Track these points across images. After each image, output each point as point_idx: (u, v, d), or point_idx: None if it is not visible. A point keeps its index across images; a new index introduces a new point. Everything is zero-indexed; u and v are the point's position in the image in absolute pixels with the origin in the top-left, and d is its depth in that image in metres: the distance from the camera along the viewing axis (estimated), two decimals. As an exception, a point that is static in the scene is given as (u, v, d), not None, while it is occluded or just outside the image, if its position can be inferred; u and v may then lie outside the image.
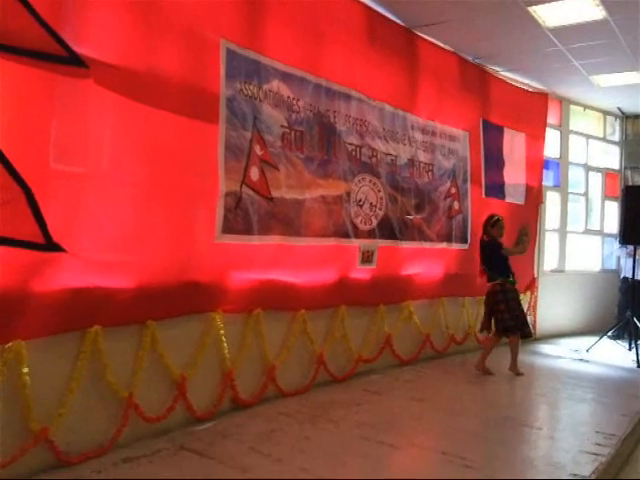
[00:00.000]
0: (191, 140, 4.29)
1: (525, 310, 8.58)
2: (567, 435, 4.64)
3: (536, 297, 8.88)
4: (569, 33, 6.58)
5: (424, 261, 6.88)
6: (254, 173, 4.76)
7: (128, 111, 3.87)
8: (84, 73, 3.55)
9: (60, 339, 3.64)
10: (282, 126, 5.06)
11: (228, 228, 4.57)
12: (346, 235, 5.74)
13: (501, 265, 6.60)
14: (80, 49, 3.52)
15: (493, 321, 6.56)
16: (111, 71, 3.71)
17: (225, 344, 4.72)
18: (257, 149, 4.80)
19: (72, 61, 3.49)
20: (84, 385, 3.76)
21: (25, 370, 3.39)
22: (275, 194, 4.97)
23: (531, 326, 8.66)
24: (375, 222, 6.10)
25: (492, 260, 6.64)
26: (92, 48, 3.59)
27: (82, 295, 3.67)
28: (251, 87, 4.75)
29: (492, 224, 6.68)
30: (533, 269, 8.83)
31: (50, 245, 3.43)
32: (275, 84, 5.01)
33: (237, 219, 4.63)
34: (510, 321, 6.44)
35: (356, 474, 3.74)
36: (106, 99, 3.72)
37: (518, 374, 6.52)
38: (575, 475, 3.71)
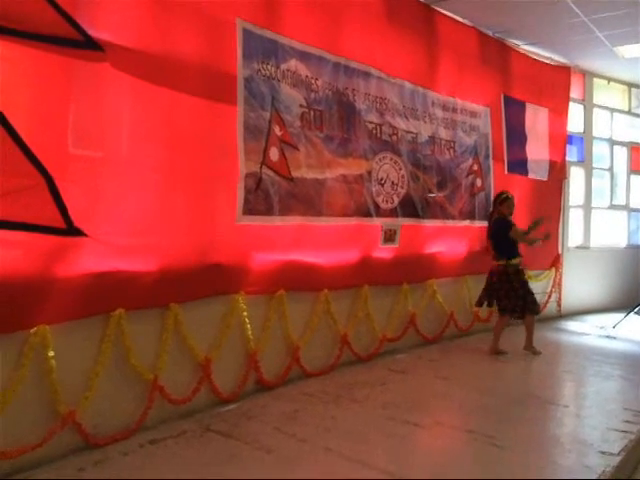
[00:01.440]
0: (210, 122, 4.28)
1: (550, 287, 8.57)
2: (594, 412, 4.59)
3: (561, 274, 8.77)
4: (592, 3, 6.39)
5: (447, 239, 6.82)
6: (274, 154, 4.73)
7: (145, 94, 3.86)
8: (100, 57, 3.54)
9: (84, 323, 3.67)
10: (301, 106, 5.01)
11: (249, 209, 4.55)
12: (368, 214, 5.70)
13: (508, 245, 6.31)
14: (95, 33, 3.52)
15: (495, 301, 6.40)
16: (127, 54, 3.70)
17: (248, 326, 4.73)
18: (276, 129, 4.76)
19: (88, 45, 3.49)
20: (109, 368, 3.80)
21: (51, 354, 3.43)
22: (295, 174, 4.94)
23: (555, 302, 8.66)
24: (397, 201, 6.05)
25: (499, 238, 6.35)
26: (107, 31, 3.59)
27: (105, 279, 3.69)
28: (269, 67, 4.70)
29: (501, 201, 6.41)
30: (558, 246, 8.71)
31: (71, 230, 3.44)
32: (293, 63, 4.96)
33: (258, 200, 4.61)
34: (508, 304, 6.26)
35: (381, 454, 3.74)
36: (123, 82, 3.71)
37: (535, 353, 6.38)
38: (604, 452, 3.67)
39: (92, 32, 3.49)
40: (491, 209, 6.69)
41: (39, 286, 3.35)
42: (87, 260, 3.58)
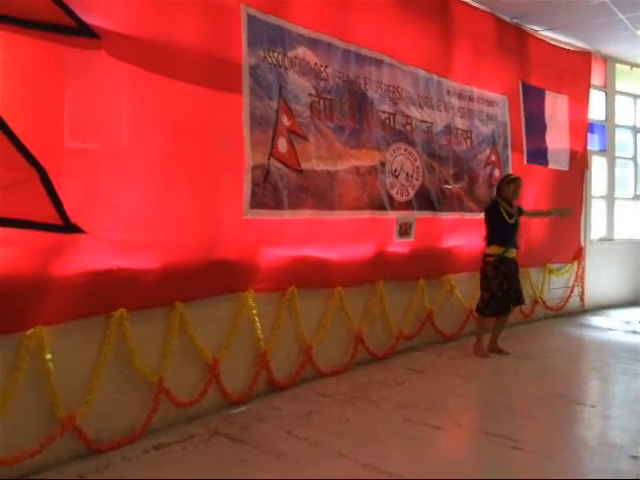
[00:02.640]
0: (214, 112, 4.09)
1: (572, 281, 8.31)
2: (624, 413, 4.35)
3: (584, 267, 8.49)
4: (614, -17, 6.15)
5: (465, 232, 6.57)
6: (282, 144, 4.54)
7: (145, 83, 3.69)
8: (95, 44, 3.37)
9: (84, 324, 3.51)
10: (310, 95, 4.81)
11: (257, 203, 4.37)
12: (382, 207, 5.49)
13: (499, 230, 5.83)
14: (90, 19, 3.35)
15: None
16: (124, 41, 3.53)
17: (258, 324, 4.55)
18: (284, 119, 4.57)
19: (82, 32, 3.32)
20: (111, 370, 3.64)
21: (48, 357, 3.27)
22: (305, 166, 4.74)
23: (578, 297, 8.38)
24: (412, 193, 5.83)
25: (489, 223, 5.90)
26: (103, 18, 3.42)
27: (105, 277, 3.53)
28: (275, 54, 4.51)
29: (508, 181, 5.96)
30: (580, 238, 8.43)
31: (68, 226, 3.28)
32: (301, 51, 4.76)
33: (266, 193, 4.43)
34: (485, 301, 5.85)
35: (397, 458, 3.55)
36: (120, 71, 3.54)
37: (501, 352, 5.98)
38: (636, 457, 3.44)
39: (86, 18, 3.32)
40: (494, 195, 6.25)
41: (35, 286, 3.18)
42: (86, 258, 3.42)
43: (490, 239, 5.86)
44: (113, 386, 3.68)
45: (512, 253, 5.86)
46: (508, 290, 5.82)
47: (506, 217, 5.80)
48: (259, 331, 4.56)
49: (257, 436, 3.82)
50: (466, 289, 6.71)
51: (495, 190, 6.21)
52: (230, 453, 3.57)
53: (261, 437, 3.80)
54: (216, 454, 3.56)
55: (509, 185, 5.92)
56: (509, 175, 6.23)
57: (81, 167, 3.40)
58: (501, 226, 5.82)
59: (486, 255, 5.86)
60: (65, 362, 3.39)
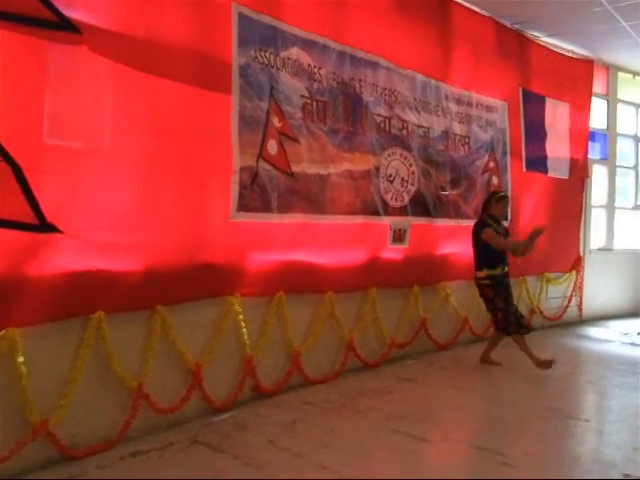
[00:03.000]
0: (201, 111, 4.00)
1: (570, 291, 8.18)
2: (618, 429, 4.22)
3: (582, 277, 8.36)
4: (617, -11, 6.05)
5: (461, 240, 6.42)
6: (272, 146, 4.44)
7: (129, 81, 3.60)
8: (76, 39, 3.29)
9: (60, 326, 3.40)
10: (303, 96, 4.72)
11: (244, 206, 4.26)
12: (375, 212, 5.38)
13: (490, 253, 5.50)
14: (71, 13, 3.26)
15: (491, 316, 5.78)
16: (107, 37, 3.44)
17: (244, 329, 4.44)
18: (275, 121, 4.47)
19: (63, 26, 3.23)
20: (89, 374, 3.53)
21: (20, 359, 3.17)
22: (296, 169, 4.64)
23: (576, 307, 8.25)
24: (407, 198, 5.72)
25: (478, 245, 5.57)
26: (85, 12, 3.34)
27: (83, 279, 3.42)
28: (267, 54, 4.42)
29: (498, 199, 5.61)
30: (579, 247, 8.31)
31: (44, 226, 3.19)
32: (294, 51, 4.67)
33: (254, 196, 4.32)
34: (506, 321, 5.51)
35: (382, 472, 3.43)
36: (103, 67, 3.46)
37: (493, 363, 5.80)
38: (627, 475, 3.32)
39: (67, 12, 3.24)
40: (481, 211, 5.85)
41: (7, 286, 3.08)
42: (63, 258, 3.32)
43: (481, 263, 5.56)
44: (90, 390, 3.57)
45: (505, 269, 5.59)
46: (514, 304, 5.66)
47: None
48: (245, 336, 4.45)
49: (238, 445, 3.71)
50: (462, 297, 6.59)
51: (482, 207, 5.79)
52: (208, 463, 3.45)
53: (242, 446, 3.68)
54: (193, 463, 3.44)
55: (498, 202, 5.62)
56: (498, 192, 5.90)
57: (60, 165, 3.31)
58: (489, 250, 5.49)
59: (479, 279, 5.60)
60: (39, 365, 3.29)
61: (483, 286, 5.57)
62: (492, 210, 5.60)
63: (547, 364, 5.42)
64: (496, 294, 5.51)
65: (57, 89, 3.30)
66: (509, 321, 5.48)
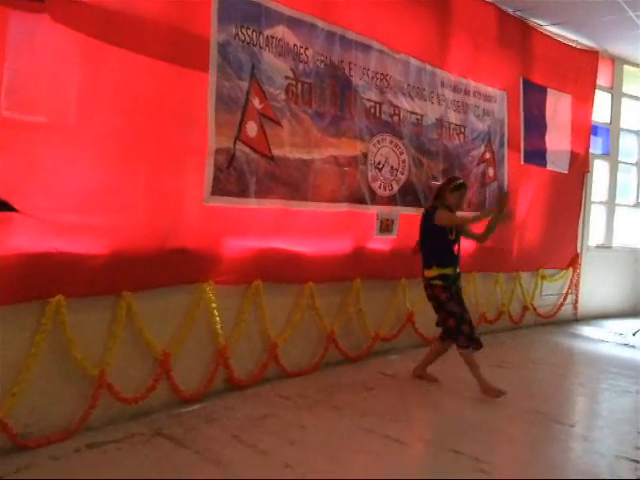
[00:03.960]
0: (175, 89, 3.82)
1: (566, 289, 7.99)
2: (605, 435, 4.05)
3: (579, 275, 8.15)
4: (624, -23, 5.80)
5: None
6: (251, 128, 4.24)
7: (97, 54, 3.43)
8: (38, 7, 3.09)
9: (15, 310, 3.23)
10: (287, 77, 4.51)
11: (219, 189, 4.08)
12: (362, 201, 5.18)
13: (439, 248, 4.71)
14: (32, -22, 3.05)
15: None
16: (72, 6, 3.26)
17: (217, 318, 4.27)
18: (256, 102, 4.27)
19: (22, -9, 3.02)
20: (46, 362, 3.38)
21: (-32, 344, 2.99)
22: (277, 153, 4.44)
23: (572, 305, 8.05)
24: (396, 187, 5.52)
25: (429, 238, 4.75)
26: (48, -23, 3.11)
27: (41, 261, 3.26)
28: (249, 32, 4.21)
29: (453, 187, 4.73)
30: (576, 244, 8.10)
31: (-3, 203, 3.00)
32: (279, 30, 4.46)
33: (230, 179, 4.13)
34: (458, 331, 4.65)
35: (347, 474, 3.26)
36: (68, 39, 3.27)
37: (422, 377, 5.01)
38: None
39: (28, -23, 3.03)
40: (431, 198, 5.10)
41: (-45, 266, 2.91)
42: (18, 239, 3.16)
43: (430, 259, 4.71)
44: (48, 378, 3.41)
45: (457, 269, 4.77)
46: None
47: (447, 231, 4.68)
48: (218, 326, 4.28)
49: (202, 439, 3.54)
50: (451, 291, 6.40)
51: (434, 194, 4.98)
52: (167, 457, 3.29)
53: (206, 440, 3.52)
54: (152, 457, 3.28)
55: (454, 192, 4.73)
56: (455, 179, 4.95)
57: (18, 140, 3.14)
58: (441, 243, 4.69)
59: (429, 279, 4.70)
60: (-10, 351, 3.13)
61: (434, 287, 4.67)
62: (447, 200, 4.73)
63: (496, 393, 4.52)
64: (450, 297, 4.64)
65: (17, 60, 3.11)
66: (461, 331, 4.61)
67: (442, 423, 4.22)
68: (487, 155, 6.57)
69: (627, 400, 4.86)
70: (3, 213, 3.05)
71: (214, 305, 4.23)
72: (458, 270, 4.76)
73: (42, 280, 3.30)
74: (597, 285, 8.45)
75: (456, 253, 4.75)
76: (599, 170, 8.54)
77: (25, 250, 3.18)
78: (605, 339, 7.28)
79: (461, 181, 4.84)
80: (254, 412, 4.03)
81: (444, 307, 4.68)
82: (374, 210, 5.31)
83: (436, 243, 4.70)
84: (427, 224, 4.72)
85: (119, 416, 3.75)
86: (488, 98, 6.57)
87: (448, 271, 4.66)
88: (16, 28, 3.07)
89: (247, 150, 4.21)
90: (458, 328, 4.63)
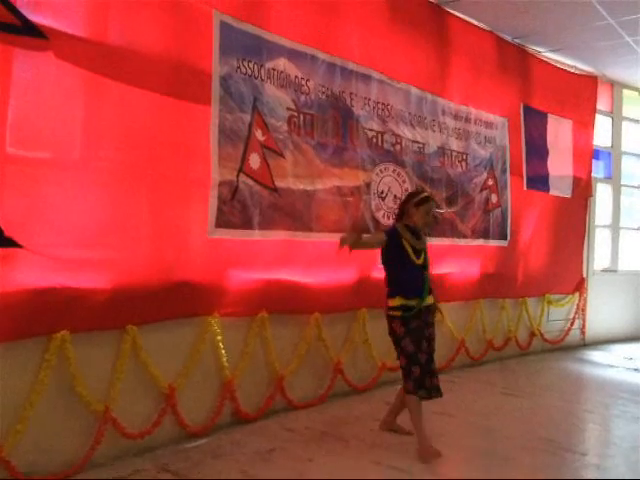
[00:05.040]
0: (178, 123, 3.84)
1: (573, 314, 7.94)
2: (617, 464, 3.96)
3: (585, 299, 8.11)
4: (620, 4, 5.83)
5: (458, 259, 6.26)
6: (254, 160, 4.26)
7: (100, 89, 3.46)
8: (42, 45, 3.12)
9: (19, 347, 3.22)
10: (289, 109, 4.55)
11: (223, 222, 4.08)
12: (366, 230, 5.17)
13: (401, 274, 4.03)
14: (36, 17, 3.11)
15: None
16: (76, 43, 3.31)
17: (223, 351, 4.25)
18: (258, 134, 4.30)
19: (27, 31, 3.07)
20: (50, 397, 3.35)
21: (-29, 382, 2.98)
22: (280, 184, 4.46)
23: (579, 330, 7.98)
24: (400, 216, 5.52)
25: (391, 262, 4.08)
26: (51, 16, 3.18)
27: (45, 296, 3.25)
28: (251, 65, 4.26)
29: (418, 202, 4.03)
30: (582, 268, 8.07)
31: (1, 240, 3.01)
32: (281, 62, 4.51)
33: (233, 212, 4.14)
34: (407, 374, 3.99)
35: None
36: (72, 75, 3.31)
37: (392, 430, 4.34)
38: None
39: (32, 16, 3.09)
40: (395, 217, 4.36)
41: (-41, 303, 2.91)
42: (23, 275, 3.15)
43: (393, 287, 4.07)
44: (52, 415, 3.38)
45: (428, 300, 4.08)
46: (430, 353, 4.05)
47: (411, 254, 3.99)
48: (224, 359, 4.25)
49: (209, 475, 3.50)
50: (458, 319, 6.40)
51: (397, 213, 4.30)
52: (173, 495, 3.25)
53: (213, 476, 3.48)
54: (157, 495, 3.24)
55: (419, 207, 4.02)
56: (418, 192, 4.27)
57: (23, 176, 3.16)
58: (403, 267, 4.01)
59: (389, 309, 4.07)
60: (-6, 388, 3.11)
61: (392, 318, 4.03)
62: (411, 218, 4.05)
63: (431, 454, 3.86)
64: (406, 332, 3.95)
65: (22, 97, 3.13)
66: (410, 372, 3.94)
67: (450, 453, 4.13)
68: (490, 182, 6.58)
69: (638, 427, 4.78)
70: (7, 249, 3.05)
71: (219, 338, 4.21)
72: (429, 302, 4.09)
73: (46, 315, 3.29)
74: (604, 309, 8.40)
75: (422, 280, 4.04)
76: (602, 194, 8.55)
77: (29, 286, 3.18)
78: (614, 364, 7.20)
79: (425, 194, 4.16)
80: (261, 446, 3.98)
81: (398, 343, 4.00)
82: (378, 239, 5.29)
83: (393, 270, 4.09)
84: (393, 246, 4.01)
85: (124, 452, 3.71)
86: (489, 125, 6.60)
87: (413, 302, 3.97)
88: (21, 65, 3.11)
89: (250, 182, 4.22)
90: (408, 369, 3.96)
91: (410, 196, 4.19)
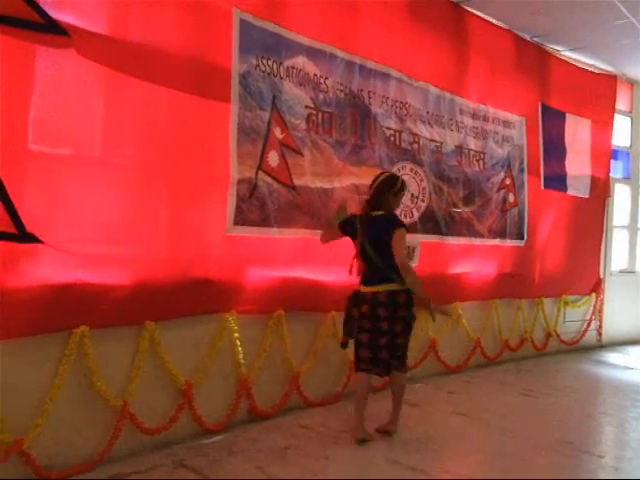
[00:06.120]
0: (197, 120, 3.85)
1: (590, 315, 7.89)
2: (635, 466, 3.93)
3: (602, 300, 8.05)
4: (641, 1, 5.79)
5: (474, 259, 6.24)
6: (273, 158, 4.27)
7: (121, 86, 3.46)
8: (64, 42, 3.14)
9: (39, 341, 3.24)
10: (307, 107, 4.54)
11: (241, 219, 4.09)
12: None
13: (359, 259, 4.16)
14: (59, 15, 3.12)
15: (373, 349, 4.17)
16: (97, 40, 3.31)
17: (240, 348, 4.26)
18: (277, 132, 4.30)
19: (50, 28, 3.09)
20: (70, 393, 3.37)
21: (-7, 376, 3.01)
22: (298, 182, 4.46)
23: (596, 331, 7.92)
24: (417, 215, 5.51)
25: (391, 247, 3.98)
26: (73, 14, 3.19)
27: (65, 292, 3.26)
28: (270, 63, 4.26)
29: (399, 189, 4.15)
30: (599, 269, 8.00)
31: (23, 235, 3.03)
32: (300, 60, 4.50)
33: (252, 209, 4.14)
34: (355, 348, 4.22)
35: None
36: (93, 72, 3.31)
37: (387, 432, 4.25)
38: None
39: (55, 14, 3.10)
40: (366, 202, 4.22)
41: (-19, 298, 2.94)
42: (43, 270, 3.17)
43: (391, 272, 4.04)
44: (71, 409, 3.41)
45: (388, 287, 4.06)
46: (369, 340, 4.12)
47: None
48: (241, 356, 4.26)
49: (225, 471, 3.52)
50: (474, 318, 6.37)
51: (374, 200, 4.15)
52: (190, 490, 3.27)
53: (228, 472, 3.49)
54: (175, 490, 3.26)
55: (398, 195, 4.19)
56: (395, 177, 4.26)
57: (45, 172, 3.18)
58: (359, 252, 4.13)
59: (407, 293, 4.13)
60: (15, 382, 3.14)
61: (412, 303, 4.17)
62: (392, 205, 4.17)
63: (363, 437, 4.04)
64: (355, 313, 4.21)
65: (44, 94, 3.15)
66: (355, 352, 4.26)
67: (466, 454, 4.15)
68: (507, 181, 6.54)
69: (656, 430, 4.76)
70: (29, 245, 3.08)
71: (236, 335, 4.22)
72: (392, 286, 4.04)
73: (66, 311, 3.31)
74: (621, 310, 8.33)
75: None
76: (620, 194, 8.48)
77: (50, 281, 3.19)
78: (631, 366, 7.14)
79: (401, 180, 4.21)
80: (277, 443, 3.99)
81: (410, 325, 4.28)
82: (395, 238, 5.28)
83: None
84: (385, 234, 3.98)
85: (141, 447, 3.73)
86: (507, 124, 6.56)
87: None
88: (43, 62, 3.13)
89: (269, 180, 4.23)
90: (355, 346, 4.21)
91: (386, 184, 4.15)
